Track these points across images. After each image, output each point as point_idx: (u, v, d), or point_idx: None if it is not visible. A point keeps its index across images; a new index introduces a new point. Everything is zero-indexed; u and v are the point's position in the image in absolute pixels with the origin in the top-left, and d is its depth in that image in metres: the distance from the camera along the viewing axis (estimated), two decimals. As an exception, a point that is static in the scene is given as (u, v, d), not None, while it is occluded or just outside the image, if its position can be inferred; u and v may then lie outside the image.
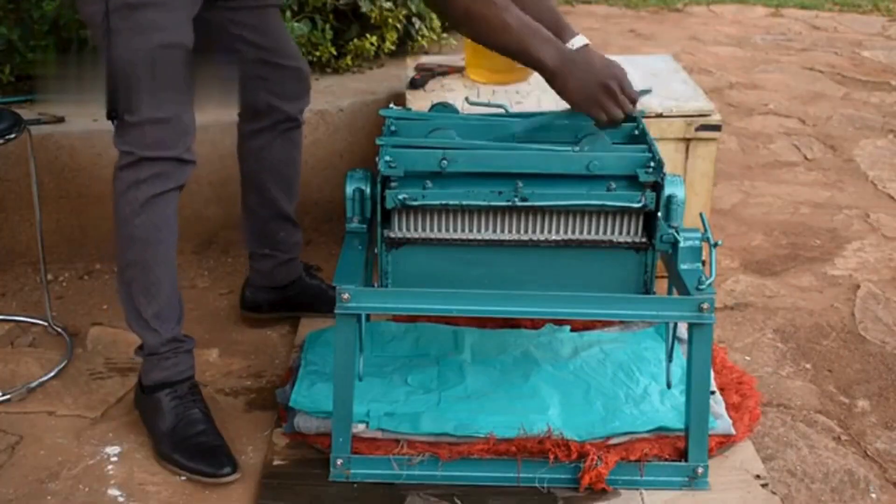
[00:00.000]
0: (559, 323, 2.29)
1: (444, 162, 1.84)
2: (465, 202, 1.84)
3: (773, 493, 1.87)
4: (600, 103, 1.83)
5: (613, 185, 1.85)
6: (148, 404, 2.03)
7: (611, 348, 2.20)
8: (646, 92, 1.99)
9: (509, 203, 1.83)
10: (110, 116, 1.87)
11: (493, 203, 1.84)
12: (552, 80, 1.87)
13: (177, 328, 2.02)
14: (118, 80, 1.83)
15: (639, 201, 1.84)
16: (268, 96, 2.19)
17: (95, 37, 1.88)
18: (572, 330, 2.29)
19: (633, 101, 1.86)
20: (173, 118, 1.87)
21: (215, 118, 2.63)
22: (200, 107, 1.94)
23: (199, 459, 1.93)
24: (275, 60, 2.16)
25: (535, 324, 2.30)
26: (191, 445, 1.95)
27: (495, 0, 1.81)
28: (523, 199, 1.83)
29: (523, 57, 1.87)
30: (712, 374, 1.99)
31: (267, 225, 2.35)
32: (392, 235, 1.88)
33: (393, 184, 1.87)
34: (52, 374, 2.26)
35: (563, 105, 1.94)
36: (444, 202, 1.84)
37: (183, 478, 1.93)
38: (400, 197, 1.82)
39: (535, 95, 2.63)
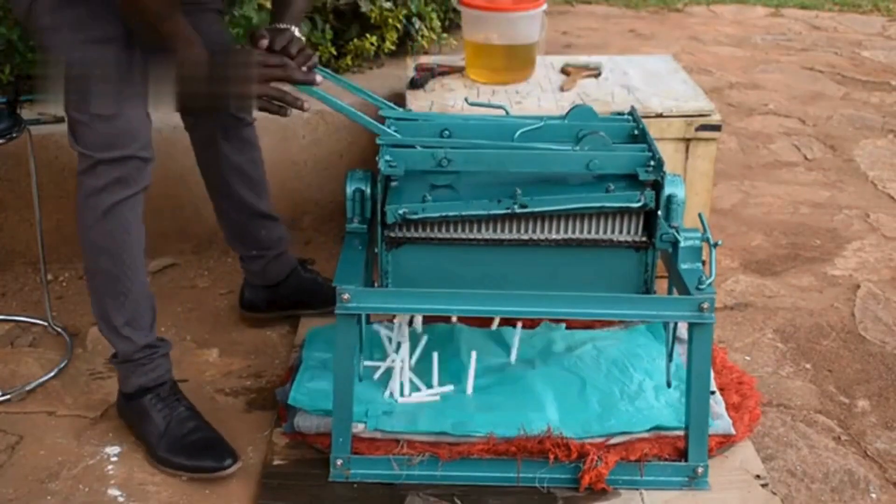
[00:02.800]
0: (556, 322, 2.29)
1: (445, 161, 1.84)
2: (464, 213, 1.84)
3: (773, 493, 1.87)
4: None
5: (612, 186, 1.85)
6: (133, 411, 2.01)
7: (604, 345, 2.20)
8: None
9: (508, 210, 1.83)
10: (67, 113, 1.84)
11: (492, 212, 1.84)
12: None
13: (150, 334, 2.00)
14: (61, 77, 1.80)
15: (638, 200, 1.84)
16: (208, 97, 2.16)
17: (31, 35, 1.85)
18: (567, 328, 2.29)
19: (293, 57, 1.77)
20: (123, 115, 1.83)
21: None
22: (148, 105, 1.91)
23: (200, 456, 1.92)
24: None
25: (533, 323, 2.30)
26: (188, 444, 1.94)
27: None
28: (522, 206, 1.83)
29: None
30: (712, 374, 2.00)
31: (246, 227, 2.34)
32: (392, 235, 1.88)
33: (393, 183, 1.87)
34: (52, 374, 2.26)
35: (563, 109, 1.93)
36: (443, 214, 1.84)
37: (183, 478, 1.93)
38: (400, 212, 1.83)
39: (535, 95, 2.63)
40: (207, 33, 2.11)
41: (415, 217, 1.83)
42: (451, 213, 1.84)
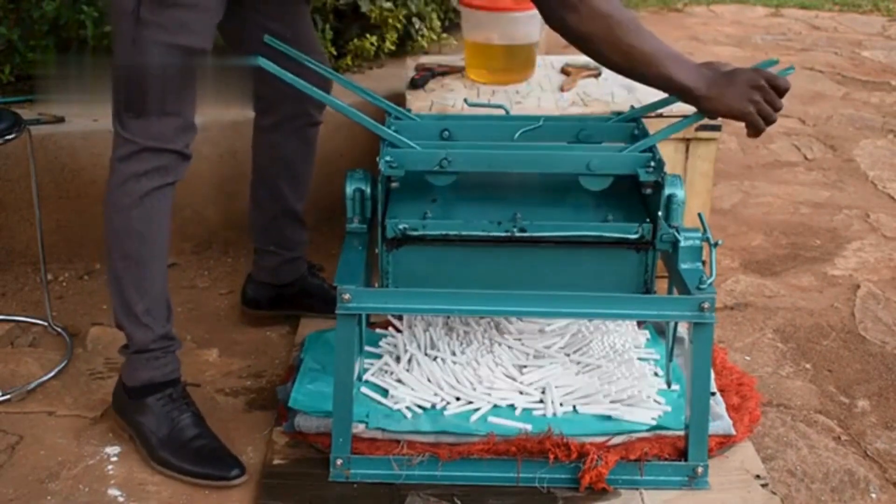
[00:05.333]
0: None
1: (445, 162, 1.84)
2: (464, 233, 1.85)
3: (773, 493, 1.87)
4: (757, 106, 1.76)
5: (610, 216, 1.86)
6: (135, 409, 1.99)
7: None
8: (788, 71, 1.86)
9: (508, 234, 1.84)
10: (130, 109, 1.85)
11: (491, 234, 1.85)
12: (700, 101, 1.78)
13: (168, 325, 2.00)
14: (137, 74, 1.82)
15: (636, 232, 1.84)
16: (287, 90, 2.18)
17: (119, 26, 1.84)
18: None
19: (783, 91, 1.78)
20: (180, 114, 1.86)
21: (215, 117, 2.64)
22: (220, 102, 1.94)
23: (205, 464, 1.91)
24: (298, 54, 2.15)
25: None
26: (192, 450, 1.93)
27: (619, 20, 1.69)
28: (521, 230, 1.84)
29: (661, 82, 1.78)
30: (713, 375, 2.00)
31: (274, 221, 2.34)
32: (392, 236, 1.88)
33: (394, 184, 1.87)
34: (52, 374, 2.26)
35: (563, 109, 1.93)
36: (443, 233, 1.85)
37: (184, 477, 1.93)
38: (400, 227, 1.83)
39: (535, 95, 2.63)
40: (299, 23, 2.14)
41: (415, 234, 1.84)
42: (450, 233, 1.85)
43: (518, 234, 1.85)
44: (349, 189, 1.93)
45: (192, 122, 1.91)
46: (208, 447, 1.94)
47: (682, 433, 1.89)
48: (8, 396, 2.17)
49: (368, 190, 1.92)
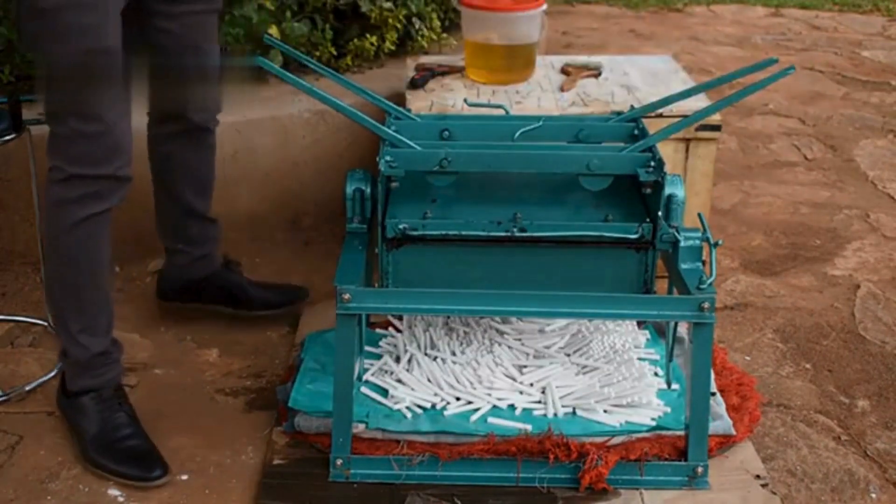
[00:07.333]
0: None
1: (445, 162, 1.84)
2: (464, 232, 1.85)
3: (773, 493, 1.87)
4: None
5: (610, 216, 1.87)
6: (72, 407, 2.00)
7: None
8: (788, 71, 1.79)
9: (508, 234, 1.84)
10: (49, 114, 1.81)
11: (491, 234, 1.85)
12: None
13: (105, 339, 1.98)
14: (47, 86, 1.78)
15: (636, 232, 1.84)
16: (181, 102, 2.15)
17: (29, 28, 1.79)
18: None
19: None
20: (104, 132, 1.79)
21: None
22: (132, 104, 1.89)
23: (129, 464, 1.91)
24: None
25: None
26: (119, 450, 1.93)
27: None
28: (522, 230, 1.84)
29: None
30: (713, 375, 2.00)
31: (178, 222, 2.33)
32: (392, 236, 1.88)
33: (394, 184, 1.87)
34: (52, 374, 2.25)
35: (563, 109, 1.94)
36: (443, 233, 1.85)
37: (184, 477, 1.93)
38: (400, 227, 1.84)
39: (535, 95, 2.63)
40: (202, 32, 2.10)
41: (414, 234, 1.84)
42: (451, 233, 1.86)
43: (518, 234, 1.85)
44: (349, 189, 1.93)
45: (122, 138, 1.82)
46: (136, 448, 1.94)
47: (682, 433, 1.89)
48: (8, 396, 2.17)
49: (368, 190, 1.93)
